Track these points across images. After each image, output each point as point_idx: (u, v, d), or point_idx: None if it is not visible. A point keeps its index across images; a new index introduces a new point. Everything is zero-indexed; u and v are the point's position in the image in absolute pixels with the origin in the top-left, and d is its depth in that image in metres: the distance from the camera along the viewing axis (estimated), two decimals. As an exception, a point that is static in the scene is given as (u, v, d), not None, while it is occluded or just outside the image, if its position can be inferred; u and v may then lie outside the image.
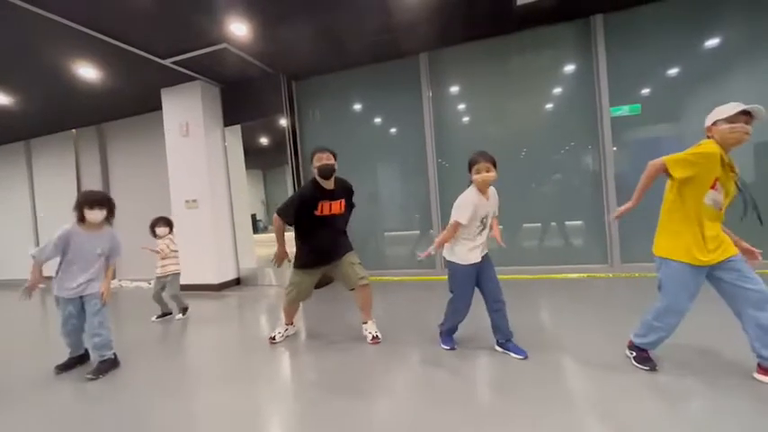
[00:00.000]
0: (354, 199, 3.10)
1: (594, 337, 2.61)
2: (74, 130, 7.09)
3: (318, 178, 2.78)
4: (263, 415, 2.03)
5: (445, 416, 1.82)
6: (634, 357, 2.15)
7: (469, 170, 2.37)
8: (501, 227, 2.58)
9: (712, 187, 1.86)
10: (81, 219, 2.57)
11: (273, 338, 3.03)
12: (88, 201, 2.54)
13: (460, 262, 2.44)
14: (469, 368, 2.32)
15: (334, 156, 2.79)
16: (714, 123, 1.88)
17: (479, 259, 2.43)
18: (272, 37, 4.28)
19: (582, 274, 4.45)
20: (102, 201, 2.57)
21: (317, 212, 2.75)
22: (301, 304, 3.13)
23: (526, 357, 2.37)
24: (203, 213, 5.34)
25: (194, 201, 5.36)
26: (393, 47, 4.75)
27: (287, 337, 3.10)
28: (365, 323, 2.94)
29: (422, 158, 5.09)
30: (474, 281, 2.47)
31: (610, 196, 4.36)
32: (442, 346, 2.64)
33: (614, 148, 4.38)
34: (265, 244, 5.89)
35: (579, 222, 4.65)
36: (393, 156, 5.36)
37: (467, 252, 2.43)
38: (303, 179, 5.60)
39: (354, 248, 3.01)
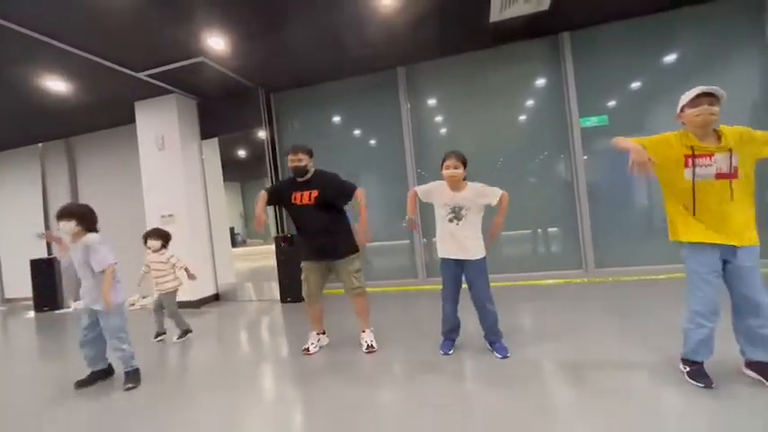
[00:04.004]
0: None
1: (578, 342, 2.71)
2: (40, 144, 6.80)
3: None
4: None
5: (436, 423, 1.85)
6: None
7: (441, 165, 2.59)
8: (502, 231, 2.68)
9: (686, 165, 1.94)
10: None
11: (307, 350, 2.94)
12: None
13: (438, 253, 2.64)
14: (458, 373, 2.35)
15: (310, 153, 2.85)
16: (682, 110, 2.00)
17: (452, 256, 2.55)
18: (251, 51, 4.28)
19: (558, 280, 4.59)
20: (65, 213, 2.54)
21: (293, 201, 2.86)
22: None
23: (504, 357, 2.47)
24: (180, 228, 5.20)
25: (170, 215, 5.23)
26: (371, 61, 4.84)
27: (320, 347, 3.02)
28: (363, 332, 2.98)
29: (402, 169, 5.16)
30: (455, 279, 2.59)
31: (582, 203, 4.54)
32: (439, 350, 2.68)
33: (585, 157, 4.58)
34: (244, 258, 5.80)
35: (554, 229, 4.81)
36: (373, 167, 5.41)
37: (441, 239, 2.60)
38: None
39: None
